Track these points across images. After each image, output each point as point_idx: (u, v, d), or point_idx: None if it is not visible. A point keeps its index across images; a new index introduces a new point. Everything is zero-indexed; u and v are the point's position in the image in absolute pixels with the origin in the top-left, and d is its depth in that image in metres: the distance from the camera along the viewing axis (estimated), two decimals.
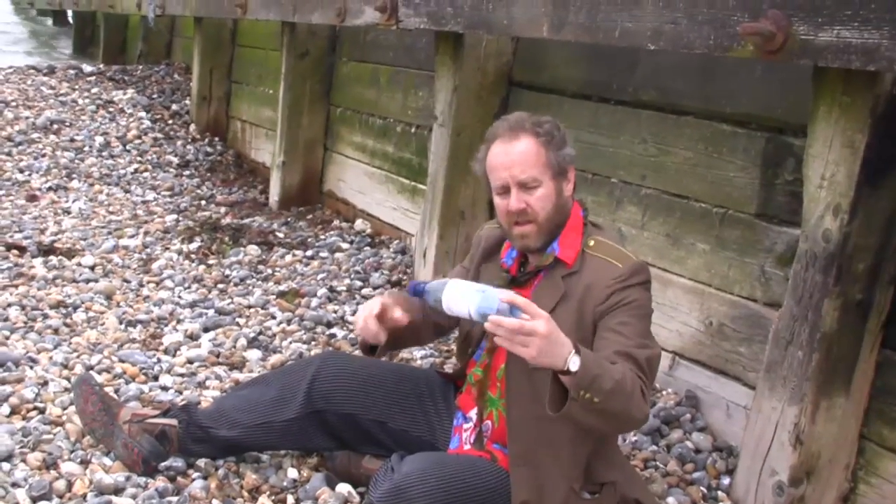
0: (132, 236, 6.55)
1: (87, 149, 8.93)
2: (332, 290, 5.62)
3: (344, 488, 3.35)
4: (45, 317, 4.87)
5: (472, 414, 3.27)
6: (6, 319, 4.79)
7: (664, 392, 4.20)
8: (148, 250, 6.25)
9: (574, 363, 2.65)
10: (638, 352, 2.90)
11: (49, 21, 21.56)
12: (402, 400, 3.38)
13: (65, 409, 3.81)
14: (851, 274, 3.22)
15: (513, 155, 3.06)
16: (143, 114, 10.04)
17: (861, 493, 3.45)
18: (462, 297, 2.81)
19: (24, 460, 3.41)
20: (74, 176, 8.19)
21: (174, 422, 3.43)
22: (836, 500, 3.48)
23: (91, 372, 4.13)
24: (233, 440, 3.41)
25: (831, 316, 3.25)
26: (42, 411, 3.80)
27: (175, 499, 3.22)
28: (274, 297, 5.49)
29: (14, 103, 10.02)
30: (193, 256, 6.19)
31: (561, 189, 3.11)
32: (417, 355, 4.66)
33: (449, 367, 4.17)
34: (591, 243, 3.11)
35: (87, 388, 3.58)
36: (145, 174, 8.53)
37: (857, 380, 3.36)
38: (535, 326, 2.61)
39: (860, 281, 3.25)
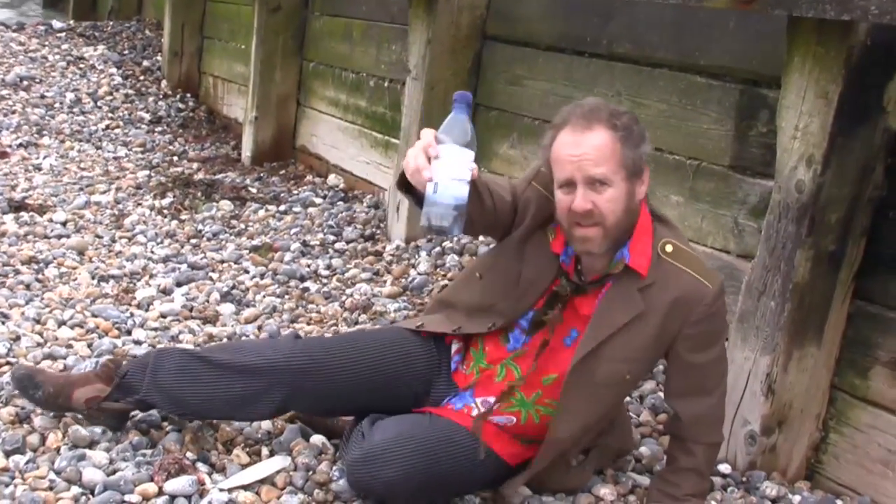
0: (104, 192, 6.50)
1: (57, 105, 8.84)
2: (305, 244, 5.61)
3: (318, 439, 3.35)
4: (17, 272, 4.83)
5: (492, 400, 3.10)
6: None
7: None
8: (120, 206, 6.21)
9: None
10: (723, 380, 3.10)
11: None
12: (386, 398, 3.16)
13: (37, 363, 3.78)
14: (824, 225, 3.24)
15: (584, 147, 2.78)
16: (114, 70, 9.95)
17: (832, 443, 3.49)
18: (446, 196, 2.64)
19: None
20: (45, 132, 8.09)
21: (131, 407, 3.30)
22: (807, 449, 3.51)
23: (25, 365, 3.65)
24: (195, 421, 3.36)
25: (804, 266, 3.27)
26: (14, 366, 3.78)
27: (149, 451, 3.21)
28: (247, 251, 5.47)
29: None
30: (166, 212, 6.16)
31: (633, 192, 2.87)
32: (391, 308, 4.66)
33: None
34: (669, 249, 2.94)
35: (24, 394, 3.33)
36: (117, 130, 8.46)
37: (829, 330, 3.39)
38: None
39: (833, 232, 3.27)
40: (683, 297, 2.90)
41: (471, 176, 2.69)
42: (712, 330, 2.98)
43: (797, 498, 3.36)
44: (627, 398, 3.90)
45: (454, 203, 2.65)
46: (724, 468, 3.48)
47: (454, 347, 3.24)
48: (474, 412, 3.10)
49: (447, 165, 2.65)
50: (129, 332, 4.25)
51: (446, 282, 4.91)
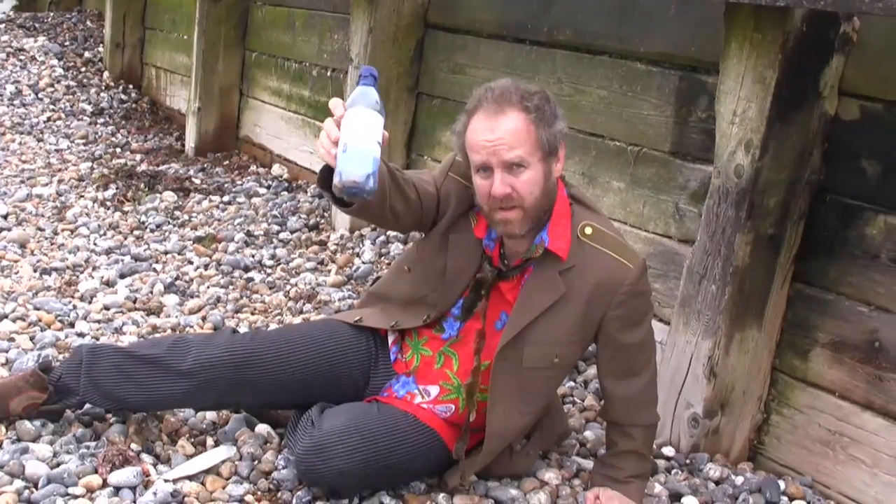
0: (46, 185, 6.45)
1: None
2: (249, 234, 5.59)
3: (263, 429, 3.34)
4: None
5: (433, 390, 3.13)
6: None
7: None
8: (62, 198, 6.16)
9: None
10: (652, 360, 3.11)
11: None
12: (325, 390, 3.17)
13: None
14: (763, 209, 3.27)
15: (498, 132, 2.77)
16: (55, 62, 9.85)
17: (773, 424, 3.53)
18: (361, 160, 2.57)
19: None
20: None
21: (71, 407, 3.29)
22: (749, 430, 3.55)
23: None
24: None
25: (743, 250, 3.30)
26: None
27: (93, 443, 3.19)
28: (191, 242, 5.45)
29: None
30: (109, 204, 6.12)
31: (550, 171, 2.86)
32: (335, 297, 4.66)
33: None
34: (589, 231, 2.94)
35: None
36: (58, 122, 8.38)
37: (769, 313, 3.43)
38: None
39: (771, 215, 3.30)
40: (605, 280, 2.91)
41: (382, 137, 2.64)
42: (637, 309, 3.00)
43: (740, 479, 3.39)
44: (572, 383, 3.93)
45: (366, 159, 2.58)
46: (668, 451, 3.52)
47: (391, 338, 3.25)
48: (417, 399, 3.12)
49: (355, 125, 2.60)
50: (72, 325, 4.22)
51: None
